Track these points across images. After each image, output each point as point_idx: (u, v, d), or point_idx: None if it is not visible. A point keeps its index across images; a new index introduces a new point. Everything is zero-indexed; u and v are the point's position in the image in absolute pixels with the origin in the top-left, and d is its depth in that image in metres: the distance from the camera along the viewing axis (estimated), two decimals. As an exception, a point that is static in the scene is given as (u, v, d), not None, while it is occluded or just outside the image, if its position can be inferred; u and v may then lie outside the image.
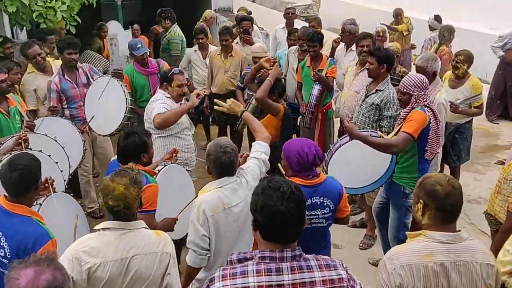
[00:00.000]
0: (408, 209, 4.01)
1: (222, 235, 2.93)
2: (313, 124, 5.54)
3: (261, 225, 1.90)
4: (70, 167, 4.20)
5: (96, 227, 2.54)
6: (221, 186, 2.93)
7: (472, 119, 5.51)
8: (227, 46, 6.13)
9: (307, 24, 7.21)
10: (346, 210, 3.25)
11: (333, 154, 4.01)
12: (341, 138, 4.13)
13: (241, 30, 6.61)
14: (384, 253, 3.64)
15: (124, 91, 4.73)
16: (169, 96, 4.32)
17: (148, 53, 5.62)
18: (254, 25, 7.04)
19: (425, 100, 3.83)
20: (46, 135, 4.07)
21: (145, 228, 2.56)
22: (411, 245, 2.28)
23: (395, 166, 4.01)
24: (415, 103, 3.84)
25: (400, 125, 3.88)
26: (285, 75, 6.19)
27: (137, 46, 5.52)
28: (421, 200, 2.30)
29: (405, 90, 3.88)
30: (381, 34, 6.43)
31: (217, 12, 9.88)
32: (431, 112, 3.83)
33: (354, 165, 4.07)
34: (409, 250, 2.25)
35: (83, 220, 3.48)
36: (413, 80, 3.85)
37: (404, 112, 3.95)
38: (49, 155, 3.76)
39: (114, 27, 8.30)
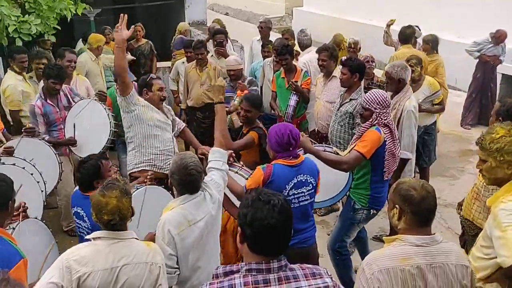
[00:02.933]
0: (352, 224, 4.04)
1: (190, 251, 2.91)
2: None
3: (250, 238, 1.89)
4: (46, 191, 4.12)
5: (88, 237, 2.56)
6: (185, 202, 2.91)
7: (436, 120, 5.67)
8: (202, 60, 6.15)
9: (280, 36, 7.30)
10: (318, 188, 3.55)
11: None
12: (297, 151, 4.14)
13: (215, 43, 6.63)
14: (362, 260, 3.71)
15: (108, 114, 4.69)
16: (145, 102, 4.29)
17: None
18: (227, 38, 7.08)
19: (385, 118, 3.84)
20: (24, 160, 3.97)
21: (135, 238, 2.58)
22: (388, 249, 2.32)
23: (352, 181, 4.06)
24: (375, 120, 3.84)
25: (355, 142, 3.90)
26: (261, 87, 6.24)
27: None
28: (396, 206, 2.34)
29: (367, 106, 3.89)
30: (352, 46, 6.53)
31: (190, 25, 9.90)
32: (389, 132, 3.84)
33: None
34: (386, 254, 2.29)
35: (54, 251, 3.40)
36: (375, 97, 3.85)
37: (363, 127, 3.96)
38: (31, 173, 3.77)
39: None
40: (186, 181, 2.88)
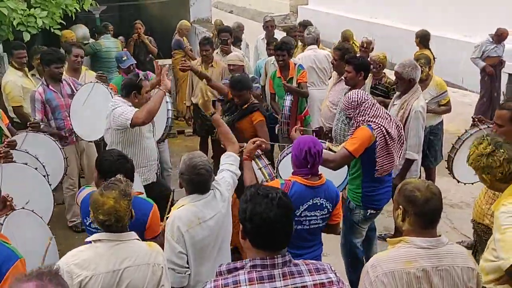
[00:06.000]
0: (353, 225, 3.93)
1: (200, 250, 2.88)
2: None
3: (251, 233, 1.90)
4: (50, 185, 4.09)
5: (88, 239, 2.52)
6: (195, 201, 2.89)
7: (442, 120, 5.64)
8: (207, 57, 6.14)
9: (285, 34, 7.28)
10: (338, 217, 3.30)
11: (280, 161, 3.99)
12: (288, 146, 4.02)
13: (220, 41, 6.62)
14: (366, 260, 3.68)
15: (110, 93, 4.69)
16: (130, 104, 4.12)
17: (134, 64, 5.63)
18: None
19: (361, 116, 3.72)
20: (27, 152, 3.95)
21: (137, 239, 2.54)
22: (393, 252, 2.29)
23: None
24: (354, 120, 3.79)
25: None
26: (263, 86, 6.21)
27: (123, 58, 5.58)
28: (400, 206, 2.31)
29: (345, 112, 3.93)
30: (365, 45, 6.49)
31: (195, 23, 9.90)
32: (380, 131, 3.67)
33: None
34: (391, 257, 2.26)
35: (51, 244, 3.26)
36: (345, 100, 3.83)
37: (350, 132, 3.89)
38: (36, 168, 3.74)
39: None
40: (195, 181, 2.85)
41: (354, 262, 4.05)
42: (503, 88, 8.56)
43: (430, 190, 2.26)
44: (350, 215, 3.92)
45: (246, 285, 1.84)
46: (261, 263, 1.87)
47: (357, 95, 3.79)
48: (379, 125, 3.68)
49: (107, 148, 4.19)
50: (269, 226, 1.86)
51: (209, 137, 6.33)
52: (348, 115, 3.88)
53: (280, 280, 1.86)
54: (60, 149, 4.49)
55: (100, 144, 5.29)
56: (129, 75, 4.60)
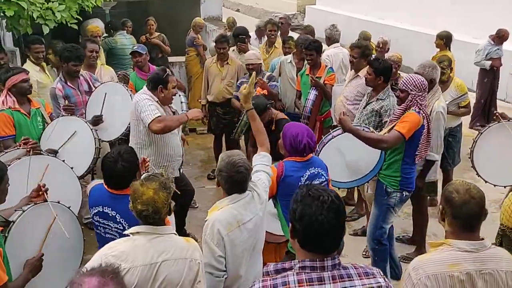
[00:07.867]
0: (388, 209, 4.05)
1: (238, 253, 2.84)
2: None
3: (300, 234, 1.87)
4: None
5: (126, 232, 2.53)
6: (233, 202, 2.85)
7: (461, 122, 5.65)
8: (223, 54, 6.10)
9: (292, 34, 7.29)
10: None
11: (325, 144, 4.07)
12: (334, 130, 4.18)
13: (238, 39, 6.59)
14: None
15: (130, 95, 4.66)
16: (157, 99, 4.13)
17: (145, 56, 5.65)
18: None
19: (421, 101, 3.89)
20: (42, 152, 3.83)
21: (174, 233, 2.54)
22: (435, 254, 2.27)
23: (383, 163, 4.07)
24: (410, 102, 3.89)
25: (394, 123, 3.91)
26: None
27: (134, 48, 5.73)
28: (440, 205, 2.33)
29: (403, 87, 3.96)
30: (381, 45, 6.49)
31: (206, 20, 9.88)
32: (425, 118, 3.89)
33: (344, 159, 4.14)
34: (433, 259, 2.24)
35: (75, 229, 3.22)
36: (413, 79, 3.92)
37: (399, 109, 3.99)
38: (63, 160, 3.71)
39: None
40: (234, 178, 2.81)
41: (382, 251, 4.13)
42: (509, 89, 8.58)
43: (469, 193, 2.24)
44: (386, 199, 4.03)
45: (295, 286, 1.81)
46: (311, 264, 1.84)
47: (425, 82, 3.95)
48: (426, 113, 3.90)
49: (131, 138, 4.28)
50: (318, 229, 1.82)
51: (224, 135, 6.33)
52: (405, 89, 3.92)
53: (330, 283, 1.82)
54: (91, 130, 4.35)
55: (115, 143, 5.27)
56: (156, 69, 4.54)
